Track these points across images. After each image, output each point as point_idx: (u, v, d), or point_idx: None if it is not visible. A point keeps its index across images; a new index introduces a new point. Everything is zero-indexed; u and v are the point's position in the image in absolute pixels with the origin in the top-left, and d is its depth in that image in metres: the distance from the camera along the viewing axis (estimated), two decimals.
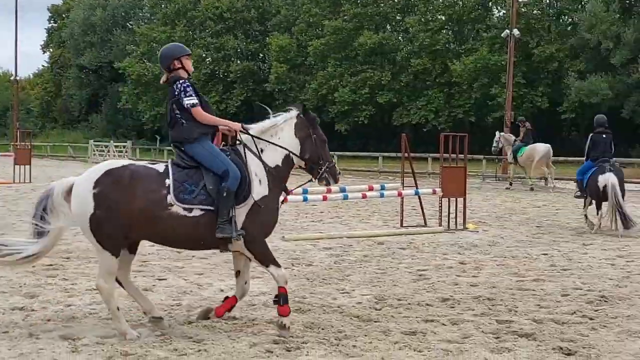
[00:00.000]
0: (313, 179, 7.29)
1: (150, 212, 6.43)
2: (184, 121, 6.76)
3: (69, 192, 6.59)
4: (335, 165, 7.30)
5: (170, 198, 6.47)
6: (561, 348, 6.23)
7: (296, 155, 7.03)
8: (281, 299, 6.66)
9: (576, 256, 11.41)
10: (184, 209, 6.49)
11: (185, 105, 6.72)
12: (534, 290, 8.78)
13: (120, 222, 6.38)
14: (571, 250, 12.01)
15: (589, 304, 7.99)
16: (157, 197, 6.46)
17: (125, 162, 6.72)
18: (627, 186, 14.89)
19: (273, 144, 6.95)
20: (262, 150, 6.91)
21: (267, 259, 6.72)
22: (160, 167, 6.70)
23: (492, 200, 22.60)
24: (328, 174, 7.13)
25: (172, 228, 6.50)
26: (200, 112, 6.78)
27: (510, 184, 27.82)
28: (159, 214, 6.45)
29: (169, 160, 6.86)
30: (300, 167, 7.19)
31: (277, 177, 6.88)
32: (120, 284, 6.82)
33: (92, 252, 8.31)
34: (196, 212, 6.52)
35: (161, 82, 7.17)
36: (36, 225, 6.62)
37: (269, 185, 6.79)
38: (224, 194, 6.49)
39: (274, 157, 6.93)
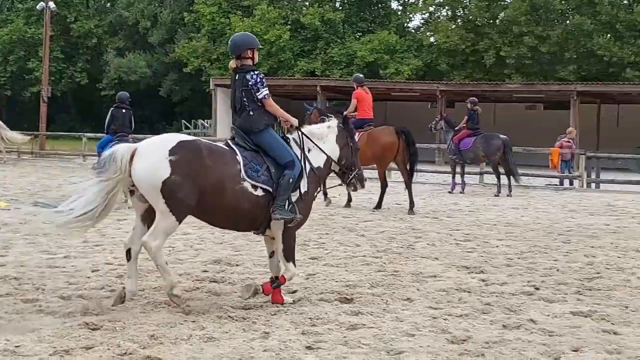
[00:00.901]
0: (342, 183, 7.97)
1: (224, 183, 6.72)
2: (251, 111, 7.11)
3: (132, 156, 6.61)
4: (363, 172, 7.95)
5: (243, 174, 6.82)
6: (87, 323, 6.12)
7: (334, 161, 7.62)
8: (277, 283, 7.09)
9: (110, 231, 11.42)
10: (252, 185, 6.86)
11: (259, 96, 7.09)
12: (64, 267, 8.59)
13: (194, 190, 6.57)
14: (105, 225, 11.95)
15: (118, 278, 8.02)
16: (233, 170, 6.81)
17: (188, 136, 6.94)
18: None
19: (319, 147, 7.47)
20: (309, 150, 7.40)
21: (291, 253, 7.21)
22: (224, 145, 7.07)
23: (28, 176, 21.85)
24: (356, 180, 7.83)
25: (236, 203, 6.81)
26: (271, 103, 7.19)
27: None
28: (233, 187, 6.76)
29: (226, 141, 7.25)
30: (334, 171, 7.78)
31: (317, 177, 7.46)
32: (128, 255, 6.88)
33: None
34: (259, 192, 6.91)
35: (230, 67, 7.37)
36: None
37: (309, 183, 7.29)
38: (289, 181, 6.96)
39: (317, 159, 7.45)
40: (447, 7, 52.83)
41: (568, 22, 48.97)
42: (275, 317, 6.60)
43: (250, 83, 7.10)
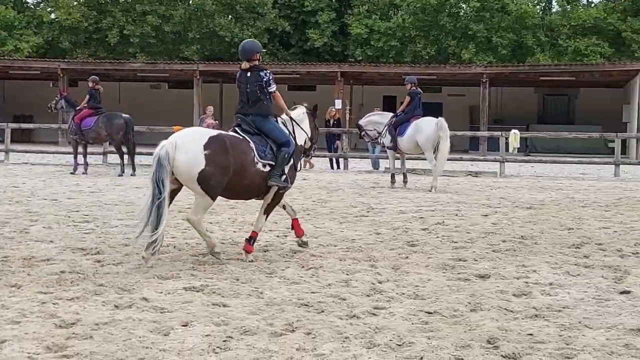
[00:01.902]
0: (306, 156, 9.97)
1: (244, 168, 8.29)
2: (264, 101, 8.70)
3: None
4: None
5: (257, 158, 8.40)
6: None
7: (310, 139, 9.51)
8: (252, 240, 8.59)
9: None
10: (262, 165, 8.45)
11: (270, 90, 8.70)
12: None
13: (223, 176, 8.08)
14: None
15: None
16: (249, 157, 8.36)
17: (214, 131, 8.63)
18: None
19: (301, 128, 9.28)
20: (294, 131, 9.10)
21: (271, 209, 8.92)
22: (238, 135, 8.52)
23: None
24: (312, 152, 9.98)
25: (252, 180, 8.41)
26: (279, 96, 8.90)
27: None
28: (249, 170, 8.34)
29: (234, 128, 8.72)
30: (302, 146, 9.38)
31: (299, 152, 9.24)
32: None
33: None
34: (267, 168, 8.51)
35: (242, 68, 8.81)
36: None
37: (297, 157, 9.07)
38: (286, 156, 8.62)
39: (300, 137, 9.25)
40: None
41: (191, 2, 49.86)
42: None
43: (264, 80, 8.71)
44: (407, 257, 8.80)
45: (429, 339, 5.50)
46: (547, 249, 9.46)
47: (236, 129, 8.70)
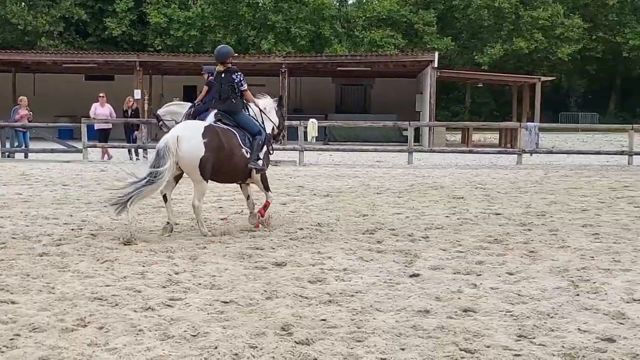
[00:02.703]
0: (275, 141, 11.12)
1: (233, 153, 9.76)
2: (233, 99, 10.26)
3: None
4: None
5: (241, 143, 9.90)
6: None
7: (277, 127, 11.09)
8: (266, 207, 10.33)
9: None
10: (245, 151, 9.94)
11: (242, 89, 10.27)
12: None
13: (217, 160, 9.47)
14: None
15: None
16: (236, 143, 9.86)
17: (205, 122, 10.13)
18: None
19: (269, 119, 10.83)
20: (263, 122, 10.64)
21: (266, 186, 10.52)
22: (222, 126, 9.96)
23: None
24: (282, 137, 11.67)
25: (237, 164, 9.86)
26: (248, 93, 10.45)
27: None
28: (237, 154, 9.82)
29: (214, 122, 10.06)
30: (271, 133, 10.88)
31: (269, 139, 10.62)
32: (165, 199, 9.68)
33: None
34: (248, 154, 9.96)
35: (217, 70, 10.48)
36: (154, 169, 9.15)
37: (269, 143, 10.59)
38: (259, 143, 10.12)
39: (269, 127, 10.77)
40: None
41: None
42: None
43: (236, 80, 10.21)
44: (204, 247, 8.80)
45: (224, 328, 5.54)
46: (343, 236, 9.76)
47: (218, 123, 10.01)
